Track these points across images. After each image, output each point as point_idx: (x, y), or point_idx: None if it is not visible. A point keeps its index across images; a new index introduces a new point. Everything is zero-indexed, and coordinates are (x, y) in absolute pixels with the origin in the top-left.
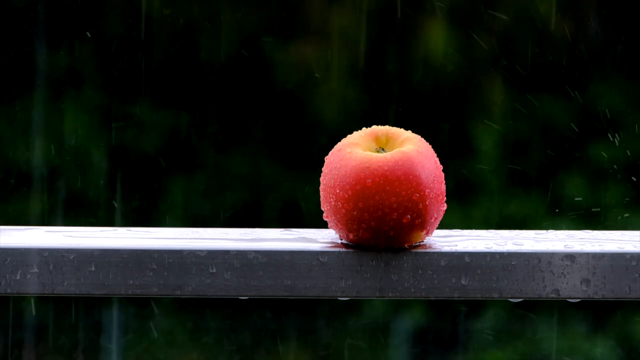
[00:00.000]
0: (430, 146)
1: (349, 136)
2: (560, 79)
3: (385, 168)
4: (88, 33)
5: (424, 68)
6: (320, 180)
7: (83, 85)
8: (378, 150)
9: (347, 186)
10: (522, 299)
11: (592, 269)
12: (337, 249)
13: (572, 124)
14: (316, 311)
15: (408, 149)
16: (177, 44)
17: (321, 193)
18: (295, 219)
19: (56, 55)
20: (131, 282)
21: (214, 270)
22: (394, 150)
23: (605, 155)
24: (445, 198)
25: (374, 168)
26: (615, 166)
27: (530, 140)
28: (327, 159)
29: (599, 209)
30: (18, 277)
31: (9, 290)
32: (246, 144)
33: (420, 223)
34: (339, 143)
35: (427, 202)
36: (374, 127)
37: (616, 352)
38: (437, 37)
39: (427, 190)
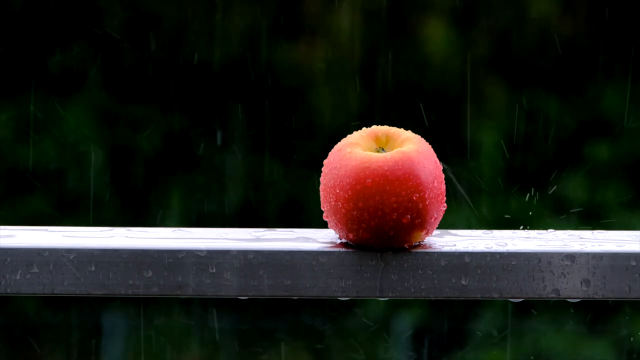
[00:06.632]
0: (430, 146)
1: (349, 136)
2: (560, 78)
3: (385, 168)
4: (88, 33)
5: (424, 68)
6: (320, 180)
7: (83, 85)
8: (378, 150)
9: (347, 186)
10: (522, 299)
11: (592, 269)
12: (337, 249)
13: (572, 124)
14: (316, 311)
15: (408, 149)
16: (177, 44)
17: (321, 193)
18: (295, 219)
19: (57, 55)
20: (131, 282)
21: (214, 270)
22: (394, 150)
23: (606, 155)
24: (445, 198)
25: (374, 168)
26: (615, 166)
27: (530, 140)
28: (326, 159)
29: (599, 209)
30: (18, 277)
31: (9, 290)
32: (246, 143)
33: (420, 223)
34: (338, 143)
35: (427, 202)
36: (374, 127)
37: (615, 352)
38: (436, 37)
39: (427, 191)
